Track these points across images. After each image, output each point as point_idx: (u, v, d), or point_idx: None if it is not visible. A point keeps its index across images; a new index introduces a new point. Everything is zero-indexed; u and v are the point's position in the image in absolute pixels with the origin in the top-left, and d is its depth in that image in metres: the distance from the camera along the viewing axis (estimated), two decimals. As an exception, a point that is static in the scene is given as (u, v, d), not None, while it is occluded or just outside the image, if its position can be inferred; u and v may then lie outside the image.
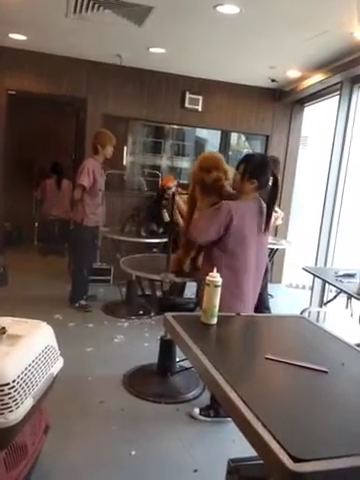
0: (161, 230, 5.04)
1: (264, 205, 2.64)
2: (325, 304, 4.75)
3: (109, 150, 4.55)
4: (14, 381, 1.66)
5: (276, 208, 4.36)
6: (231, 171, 2.70)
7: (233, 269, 2.54)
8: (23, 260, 6.36)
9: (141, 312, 4.69)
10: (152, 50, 4.70)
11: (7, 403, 1.62)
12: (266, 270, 4.04)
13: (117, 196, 5.69)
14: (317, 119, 6.47)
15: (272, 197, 2.62)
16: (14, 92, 5.49)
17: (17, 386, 1.67)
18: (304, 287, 6.39)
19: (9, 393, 1.63)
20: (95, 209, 4.59)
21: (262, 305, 4.19)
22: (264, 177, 2.57)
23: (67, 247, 6.61)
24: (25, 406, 1.70)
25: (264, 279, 3.97)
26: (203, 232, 2.57)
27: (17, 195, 7.45)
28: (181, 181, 6.00)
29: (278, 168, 4.20)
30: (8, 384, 1.63)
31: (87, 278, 4.87)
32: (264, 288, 4.15)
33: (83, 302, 4.71)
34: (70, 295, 4.76)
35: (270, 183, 2.63)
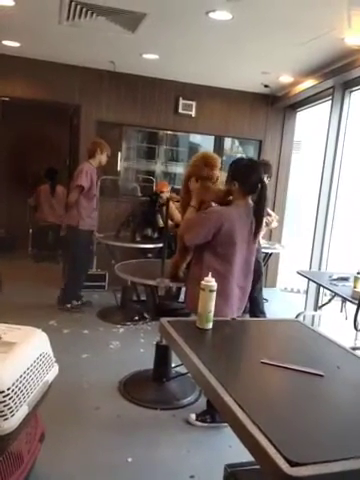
0: (156, 235, 5.04)
1: None
2: (320, 308, 4.76)
3: (105, 157, 4.64)
4: (9, 389, 1.64)
5: (270, 211, 4.37)
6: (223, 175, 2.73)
7: (221, 273, 2.55)
8: (17, 267, 6.33)
9: (136, 318, 4.67)
10: (145, 56, 4.72)
11: (2, 411, 1.61)
12: (261, 274, 4.05)
13: (111, 201, 5.70)
14: (310, 124, 6.52)
15: (259, 204, 2.59)
16: (7, 98, 5.50)
17: (12, 394, 1.65)
18: (299, 291, 6.41)
19: (4, 401, 1.61)
20: (90, 213, 4.63)
21: (257, 309, 4.19)
22: (247, 181, 2.55)
23: (61, 253, 6.59)
24: (20, 414, 1.69)
25: (259, 283, 3.98)
26: (192, 235, 2.59)
27: (11, 202, 7.46)
28: (175, 186, 6.02)
29: (270, 172, 4.20)
30: (3, 392, 1.62)
31: (82, 282, 4.89)
32: (259, 292, 4.15)
33: (75, 302, 4.75)
34: (61, 295, 4.76)
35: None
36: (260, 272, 3.92)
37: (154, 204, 5.00)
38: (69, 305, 4.71)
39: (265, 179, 2.85)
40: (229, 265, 2.58)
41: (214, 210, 2.61)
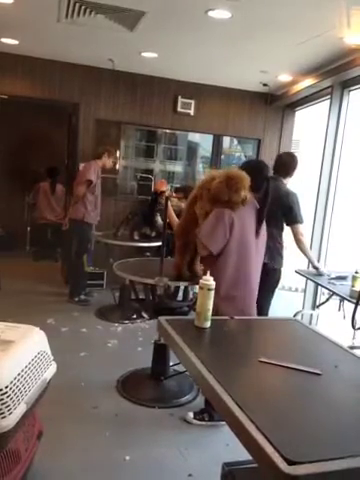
0: (154, 234, 5.05)
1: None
2: (318, 307, 4.77)
3: (110, 162, 4.99)
4: (7, 387, 1.64)
5: None
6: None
7: (240, 274, 2.57)
8: (15, 265, 6.32)
9: (134, 316, 4.68)
10: (144, 54, 4.72)
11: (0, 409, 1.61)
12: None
13: (110, 200, 5.69)
14: (308, 123, 6.51)
15: (264, 199, 2.64)
16: (6, 96, 5.49)
17: (10, 392, 1.65)
18: (297, 290, 6.41)
19: (2, 399, 1.62)
20: (94, 208, 4.88)
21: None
22: (256, 177, 2.59)
23: (60, 251, 6.59)
24: (18, 412, 1.69)
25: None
26: (212, 240, 2.52)
27: (9, 200, 7.44)
28: (174, 185, 6.02)
29: None
30: (0, 390, 1.62)
31: (87, 273, 5.10)
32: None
33: (83, 297, 4.96)
34: (70, 289, 4.98)
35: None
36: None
37: (155, 204, 5.02)
38: (77, 299, 4.93)
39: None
40: (244, 263, 2.58)
41: (222, 209, 2.55)
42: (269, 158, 5.97)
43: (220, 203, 2.51)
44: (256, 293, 2.71)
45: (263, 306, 3.51)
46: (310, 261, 3.84)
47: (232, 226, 2.50)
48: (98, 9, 3.55)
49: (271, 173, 3.55)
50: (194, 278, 2.93)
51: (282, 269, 3.58)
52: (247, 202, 2.57)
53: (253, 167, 2.83)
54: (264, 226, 2.73)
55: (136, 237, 4.97)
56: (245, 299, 2.62)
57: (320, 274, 3.73)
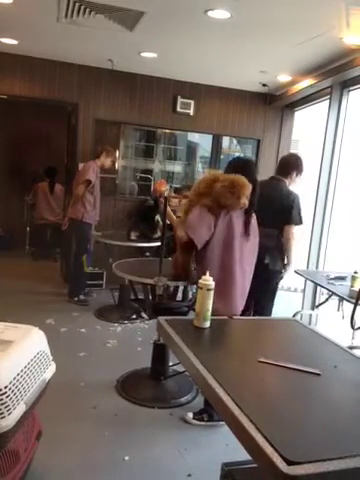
0: (155, 235, 5.06)
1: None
2: (317, 307, 4.77)
3: (109, 162, 5.00)
4: (6, 387, 1.64)
5: None
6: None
7: (227, 271, 2.57)
8: (15, 265, 6.32)
9: (134, 316, 4.68)
10: (144, 54, 4.71)
11: (-1, 409, 1.61)
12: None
13: (109, 200, 5.69)
14: (308, 123, 6.51)
15: (251, 200, 2.65)
16: (5, 96, 5.49)
17: (9, 392, 1.65)
18: (296, 290, 6.41)
19: (1, 399, 1.61)
20: (93, 208, 4.90)
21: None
22: (244, 176, 2.60)
23: (60, 251, 6.59)
24: (17, 412, 1.69)
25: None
26: (197, 231, 2.57)
27: (8, 200, 7.44)
28: (173, 185, 6.02)
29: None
30: (0, 390, 1.62)
31: (86, 273, 5.11)
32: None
33: (82, 297, 4.98)
34: (69, 289, 4.99)
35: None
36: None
37: (157, 205, 5.03)
38: (76, 299, 4.95)
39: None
40: (233, 261, 2.59)
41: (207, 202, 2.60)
42: (268, 158, 6.01)
43: (214, 202, 2.55)
44: (245, 293, 2.72)
45: (265, 307, 3.51)
46: (287, 257, 3.57)
47: (216, 221, 2.54)
48: (97, 9, 3.54)
49: (269, 174, 3.56)
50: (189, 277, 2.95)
51: (283, 270, 3.56)
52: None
53: (241, 166, 2.81)
54: (256, 227, 2.75)
55: (133, 237, 4.97)
56: (231, 298, 2.63)
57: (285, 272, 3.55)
